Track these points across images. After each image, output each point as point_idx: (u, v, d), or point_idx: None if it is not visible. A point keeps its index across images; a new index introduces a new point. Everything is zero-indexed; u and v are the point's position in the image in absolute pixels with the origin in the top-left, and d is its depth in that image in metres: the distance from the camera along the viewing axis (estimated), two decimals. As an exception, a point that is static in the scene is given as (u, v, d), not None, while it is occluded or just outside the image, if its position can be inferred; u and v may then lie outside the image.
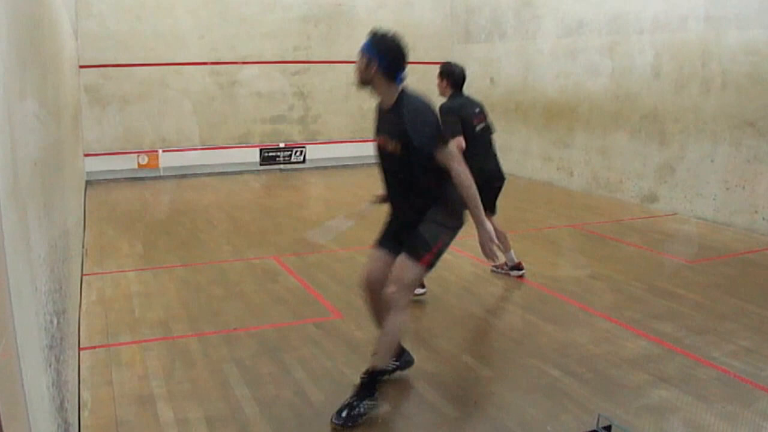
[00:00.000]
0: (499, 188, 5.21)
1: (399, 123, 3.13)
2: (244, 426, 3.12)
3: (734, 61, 6.87)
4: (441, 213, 3.25)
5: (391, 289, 3.15)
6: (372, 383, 3.20)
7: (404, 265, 3.17)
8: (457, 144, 4.68)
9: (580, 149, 9.15)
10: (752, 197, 6.81)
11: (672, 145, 7.70)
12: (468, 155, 4.83)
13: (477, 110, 5.03)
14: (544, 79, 9.72)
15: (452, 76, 4.99)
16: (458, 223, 3.31)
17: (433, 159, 3.12)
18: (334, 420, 3.11)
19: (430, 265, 3.23)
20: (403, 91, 3.20)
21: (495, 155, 5.18)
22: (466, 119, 4.88)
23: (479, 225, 3.20)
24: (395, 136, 3.16)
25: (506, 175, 5.24)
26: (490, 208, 5.12)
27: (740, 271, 5.57)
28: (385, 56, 3.12)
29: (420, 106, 3.18)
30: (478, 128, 4.98)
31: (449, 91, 5.00)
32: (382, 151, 3.30)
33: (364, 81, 3.19)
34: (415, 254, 3.17)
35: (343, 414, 3.12)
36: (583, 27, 8.90)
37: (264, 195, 9.43)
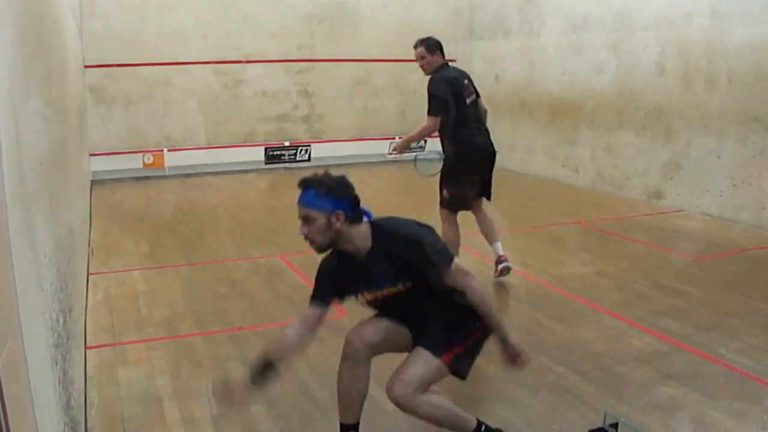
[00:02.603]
0: (492, 165, 5.00)
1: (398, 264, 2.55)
2: (250, 424, 3.13)
3: (739, 57, 6.84)
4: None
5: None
6: None
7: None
8: (432, 124, 4.74)
9: (585, 146, 9.12)
10: (759, 193, 6.78)
11: (677, 141, 7.67)
12: (457, 129, 4.89)
13: (466, 82, 4.95)
14: (548, 77, 9.69)
15: (441, 47, 4.90)
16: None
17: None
18: None
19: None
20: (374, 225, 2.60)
21: (486, 129, 5.00)
22: (458, 93, 4.79)
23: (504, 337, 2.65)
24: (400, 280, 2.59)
25: (497, 151, 5.09)
26: (484, 191, 4.99)
27: (747, 268, 5.54)
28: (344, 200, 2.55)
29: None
30: (468, 101, 4.88)
31: (441, 62, 4.88)
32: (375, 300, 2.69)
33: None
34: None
35: None
36: (588, 24, 8.87)
37: (269, 194, 9.44)
